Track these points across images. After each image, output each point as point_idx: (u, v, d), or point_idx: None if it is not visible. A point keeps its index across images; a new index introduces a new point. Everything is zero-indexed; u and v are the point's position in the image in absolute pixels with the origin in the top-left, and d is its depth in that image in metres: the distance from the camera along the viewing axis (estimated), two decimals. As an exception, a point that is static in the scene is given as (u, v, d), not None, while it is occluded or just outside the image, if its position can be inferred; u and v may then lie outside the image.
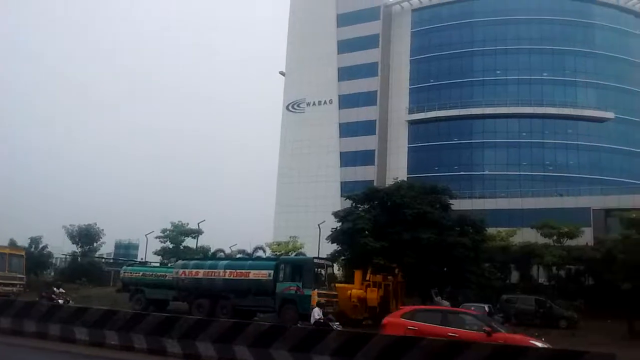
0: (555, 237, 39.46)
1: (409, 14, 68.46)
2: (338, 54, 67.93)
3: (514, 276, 40.26)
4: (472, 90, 62.40)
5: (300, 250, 48.21)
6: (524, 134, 59.55)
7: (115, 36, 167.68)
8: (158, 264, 42.95)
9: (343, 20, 68.79)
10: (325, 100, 67.70)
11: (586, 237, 40.93)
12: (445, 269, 31.36)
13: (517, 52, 62.06)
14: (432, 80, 64.93)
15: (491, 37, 63.12)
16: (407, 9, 68.61)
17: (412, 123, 64.35)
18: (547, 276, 39.08)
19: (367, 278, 29.43)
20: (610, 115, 58.54)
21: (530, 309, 31.90)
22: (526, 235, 40.92)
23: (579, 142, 58.59)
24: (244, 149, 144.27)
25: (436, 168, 60.32)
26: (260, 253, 49.74)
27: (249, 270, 27.94)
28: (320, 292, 25.71)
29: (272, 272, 27.00)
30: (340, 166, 64.71)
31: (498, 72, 62.05)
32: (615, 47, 61.75)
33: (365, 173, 62.06)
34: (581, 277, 38.17)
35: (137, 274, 34.29)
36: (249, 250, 51.06)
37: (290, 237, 50.41)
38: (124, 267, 38.05)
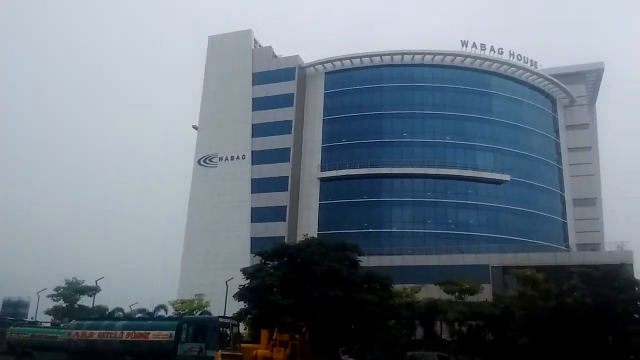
0: (457, 294, 40.90)
1: (323, 76, 71.05)
2: (253, 111, 68.76)
3: (419, 332, 40.94)
4: (382, 151, 64.92)
5: (206, 309, 46.65)
6: (429, 193, 62.37)
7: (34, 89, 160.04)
8: (49, 325, 40.34)
9: (259, 79, 70.15)
10: (238, 156, 67.62)
11: (486, 293, 42.74)
12: (353, 326, 31.30)
13: (423, 117, 65.80)
14: (344, 140, 66.97)
15: (399, 102, 66.76)
16: (321, 71, 71.20)
17: (323, 181, 65.54)
18: (450, 332, 40.08)
19: (274, 337, 28.76)
20: (506, 177, 63.01)
21: (435, 366, 32.40)
22: (431, 292, 42.06)
23: (479, 202, 62.25)
24: (151, 202, 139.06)
25: (346, 225, 61.35)
26: (162, 312, 47.74)
27: (148, 331, 26.62)
28: (225, 353, 24.81)
29: (174, 332, 25.88)
30: (251, 222, 64.10)
31: (405, 134, 65.26)
32: (511, 115, 67.42)
33: (276, 229, 61.81)
34: (482, 333, 39.39)
35: (26, 335, 32.80)
36: (151, 309, 48.91)
37: (195, 295, 48.63)
38: (12, 327, 36.06)
